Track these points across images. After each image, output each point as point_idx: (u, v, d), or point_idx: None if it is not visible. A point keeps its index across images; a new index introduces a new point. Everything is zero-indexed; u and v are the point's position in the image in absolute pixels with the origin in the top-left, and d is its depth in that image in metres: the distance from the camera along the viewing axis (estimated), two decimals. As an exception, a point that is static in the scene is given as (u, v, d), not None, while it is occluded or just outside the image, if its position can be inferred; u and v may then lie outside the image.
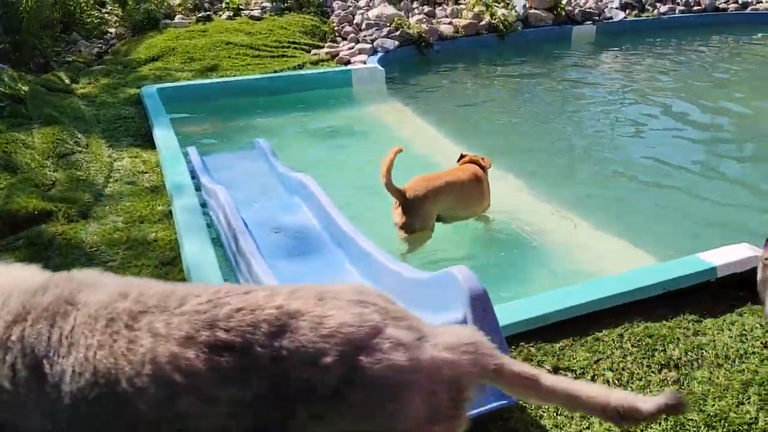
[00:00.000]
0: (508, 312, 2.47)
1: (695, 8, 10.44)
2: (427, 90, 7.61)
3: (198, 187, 4.22)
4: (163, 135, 4.92)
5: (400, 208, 3.56)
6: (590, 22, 9.80)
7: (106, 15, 8.99)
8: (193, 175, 4.41)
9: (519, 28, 9.31)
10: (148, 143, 5.08)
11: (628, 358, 2.39)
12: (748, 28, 10.20)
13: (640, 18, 10.13)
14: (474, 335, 1.43)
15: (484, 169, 3.95)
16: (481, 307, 2.02)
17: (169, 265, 3.23)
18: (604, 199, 4.60)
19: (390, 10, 8.86)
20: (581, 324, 2.55)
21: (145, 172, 4.56)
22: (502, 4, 9.44)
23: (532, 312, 2.52)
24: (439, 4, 10.04)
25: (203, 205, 4.00)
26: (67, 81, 6.75)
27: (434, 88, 7.67)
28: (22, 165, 4.30)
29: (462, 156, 4.10)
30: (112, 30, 8.92)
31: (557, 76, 8.17)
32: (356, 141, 5.71)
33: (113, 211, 3.87)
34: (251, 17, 8.74)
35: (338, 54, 7.95)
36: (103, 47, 8.48)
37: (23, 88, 6.17)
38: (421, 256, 3.60)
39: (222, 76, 7.03)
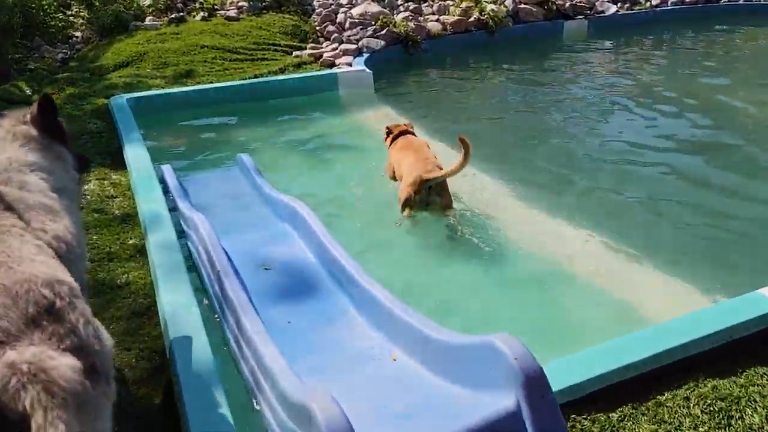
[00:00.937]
0: (552, 375, 2.06)
1: (687, 0, 10.14)
2: (416, 93, 7.18)
3: (175, 208, 3.77)
4: (135, 154, 4.43)
5: (434, 191, 3.68)
6: (581, 17, 9.46)
7: (71, 18, 8.40)
8: (168, 197, 3.95)
9: (509, 23, 8.92)
10: (119, 162, 4.58)
11: (701, 430, 2.00)
12: (741, 19, 9.94)
13: (633, 11, 9.81)
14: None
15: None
16: (538, 393, 1.61)
17: (143, 316, 2.77)
18: (620, 215, 4.18)
19: (375, 7, 8.41)
20: (639, 385, 2.15)
21: (115, 197, 4.07)
22: (491, -1, 9.04)
23: (582, 374, 2.11)
24: (425, 1, 9.60)
25: (181, 233, 3.53)
26: (29, 92, 6.20)
27: (424, 91, 7.25)
28: (-28, 194, 3.78)
29: (390, 130, 4.35)
30: (78, 34, 8.34)
31: (550, 73, 7.82)
32: (344, 152, 5.26)
33: (78, 247, 3.38)
34: (227, 18, 8.23)
35: (321, 56, 7.48)
36: (69, 52, 7.91)
37: (-22, 101, 5.60)
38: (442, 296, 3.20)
39: (198, 83, 6.54)
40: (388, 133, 4.38)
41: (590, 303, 3.12)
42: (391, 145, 4.31)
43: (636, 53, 8.71)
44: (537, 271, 3.40)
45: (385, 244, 3.75)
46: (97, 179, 4.30)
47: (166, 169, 4.37)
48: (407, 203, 3.73)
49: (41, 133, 1.99)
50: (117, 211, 3.86)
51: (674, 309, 2.73)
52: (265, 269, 3.16)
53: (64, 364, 1.27)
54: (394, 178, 4.20)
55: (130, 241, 3.45)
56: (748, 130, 5.64)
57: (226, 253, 2.99)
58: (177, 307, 2.62)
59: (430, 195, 3.69)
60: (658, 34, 9.46)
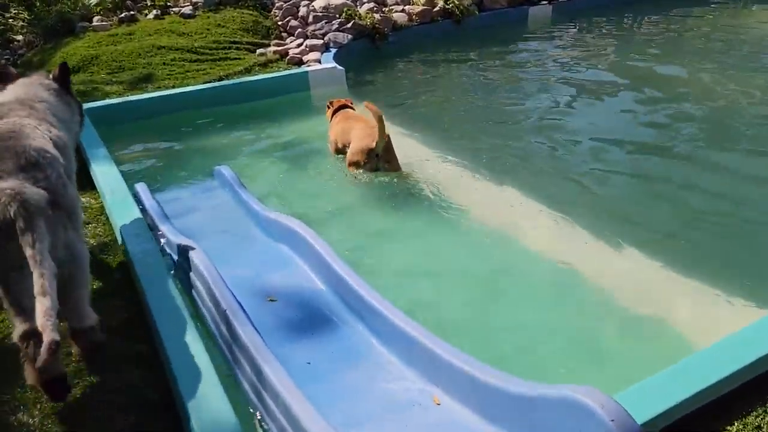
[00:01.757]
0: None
1: (647, -18, 10.20)
2: (386, 86, 6.96)
3: (154, 233, 3.45)
4: (105, 173, 4.05)
5: (382, 158, 4.24)
6: (546, 2, 9.37)
7: (10, 20, 7.77)
8: (146, 220, 3.61)
9: (475, 12, 8.75)
10: (84, 182, 4.18)
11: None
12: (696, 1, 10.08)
13: (594, -5, 9.79)
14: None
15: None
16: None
17: (149, 368, 2.47)
18: (622, 214, 4.09)
19: (338, 0, 8.09)
20: (704, 417, 2.01)
21: (88, 223, 3.70)
22: (455, -13, 8.83)
23: (646, 409, 1.95)
24: (387, -10, 9.32)
25: (171, 262, 3.22)
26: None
27: (393, 84, 7.02)
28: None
29: (332, 103, 4.94)
30: (19, 37, 7.73)
31: (514, 61, 7.72)
32: (322, 156, 4.99)
33: (54, 287, 3.03)
34: (182, 15, 7.77)
35: (287, 53, 7.15)
36: (11, 58, 7.32)
37: None
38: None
39: (159, 88, 6.13)
40: (329, 107, 4.98)
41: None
42: (332, 118, 4.86)
43: (599, 37, 8.68)
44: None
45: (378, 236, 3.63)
46: (63, 204, 3.90)
47: (141, 188, 4.02)
48: (357, 166, 4.32)
49: (58, 85, 2.92)
50: (92, 240, 3.50)
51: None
52: (270, 301, 2.90)
53: (36, 192, 2.07)
54: (337, 151, 4.70)
55: (115, 276, 3.12)
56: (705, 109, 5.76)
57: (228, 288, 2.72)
58: (185, 357, 2.33)
59: (379, 161, 4.28)
60: (622, 16, 9.47)
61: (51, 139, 2.42)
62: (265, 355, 2.25)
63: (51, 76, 2.97)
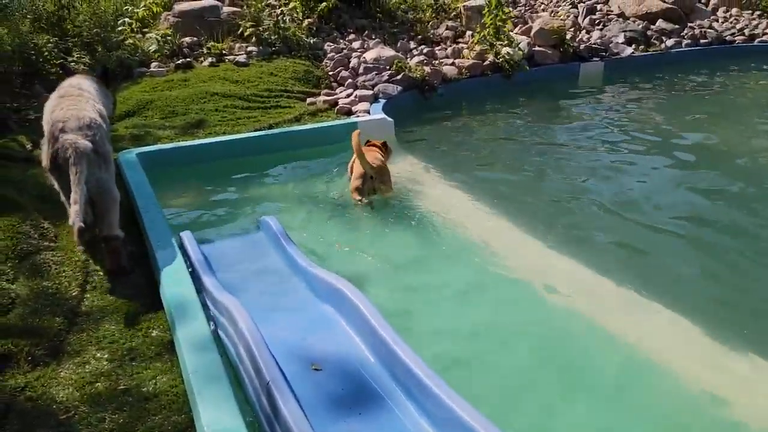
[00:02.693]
0: None
1: (702, 41, 10.00)
2: (435, 139, 6.84)
3: (199, 287, 3.34)
4: (152, 221, 4.00)
5: (376, 180, 4.76)
6: (597, 58, 9.25)
7: (72, 64, 8.05)
8: (192, 272, 3.52)
9: (526, 66, 8.68)
10: (132, 228, 4.15)
11: None
12: (757, 60, 9.80)
13: (648, 53, 9.63)
14: None
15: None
16: None
17: (180, 439, 2.32)
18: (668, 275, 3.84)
19: (388, 51, 8.14)
20: None
21: (131, 272, 3.63)
22: (506, 42, 8.81)
23: None
24: (438, 44, 9.39)
25: (211, 319, 3.10)
26: (29, 146, 5.78)
27: (442, 136, 6.92)
28: (-29, 275, 3.34)
29: (368, 142, 5.29)
30: (80, 80, 7.98)
31: (566, 117, 7.59)
32: (373, 211, 4.88)
33: (93, 341, 2.94)
34: (236, 63, 7.91)
35: (337, 102, 7.16)
36: (70, 100, 7.53)
37: (-24, 158, 5.24)
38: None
39: (210, 134, 6.16)
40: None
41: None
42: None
43: (651, 95, 8.47)
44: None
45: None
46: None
47: (186, 238, 3.94)
48: (357, 191, 4.78)
49: (100, 81, 4.31)
50: (131, 291, 3.42)
51: None
52: (315, 369, 2.73)
53: (84, 143, 3.39)
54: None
55: (154, 333, 3.01)
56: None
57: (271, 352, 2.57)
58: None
59: (374, 183, 4.75)
60: (674, 75, 9.27)
61: (97, 111, 3.76)
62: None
63: (95, 74, 4.48)
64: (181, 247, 3.85)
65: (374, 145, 5.25)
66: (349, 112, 6.96)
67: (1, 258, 3.57)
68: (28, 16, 8.36)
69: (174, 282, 3.22)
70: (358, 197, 4.78)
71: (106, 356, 2.82)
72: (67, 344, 2.90)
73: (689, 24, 10.43)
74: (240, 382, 2.68)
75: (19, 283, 3.37)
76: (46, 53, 7.65)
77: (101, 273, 3.60)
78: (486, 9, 8.90)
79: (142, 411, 2.45)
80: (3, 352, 2.72)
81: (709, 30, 10.21)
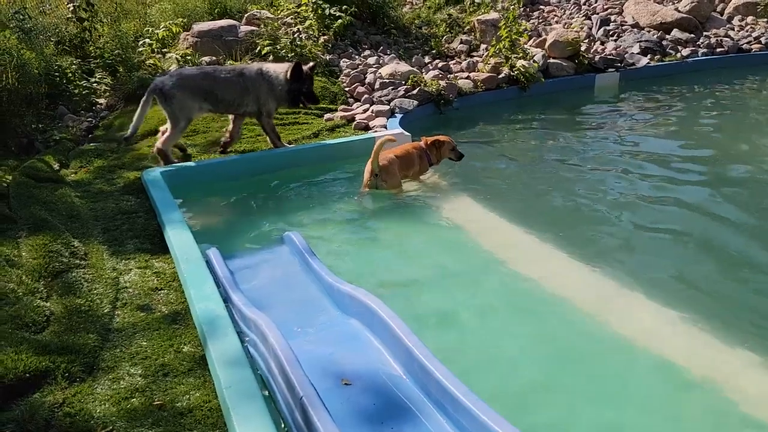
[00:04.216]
0: None
1: (718, 50, 9.98)
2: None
3: (226, 302, 3.39)
4: (179, 238, 4.07)
5: (380, 176, 5.31)
6: (613, 69, 9.27)
7: (95, 84, 8.23)
8: (219, 287, 3.58)
9: (541, 79, 8.71)
10: (159, 246, 4.23)
11: None
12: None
13: (663, 62, 9.62)
14: None
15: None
16: None
17: (215, 455, 2.36)
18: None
19: (404, 66, 8.23)
20: None
21: (160, 289, 3.70)
22: (521, 54, 8.86)
23: None
24: (452, 58, 9.46)
25: (240, 333, 3.14)
26: (56, 166, 5.92)
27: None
28: (7, 293, 3.42)
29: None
30: (102, 101, 8.15)
31: (582, 128, 7.58)
32: (393, 225, 4.92)
33: (126, 357, 3.00)
34: (255, 81, 8.02)
35: (354, 118, 7.23)
36: (93, 120, 7.69)
37: (6, 177, 5.35)
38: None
39: (231, 151, 6.26)
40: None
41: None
42: None
43: (668, 105, 8.45)
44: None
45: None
46: (138, 268, 3.93)
47: (213, 254, 4.01)
48: (364, 184, 5.35)
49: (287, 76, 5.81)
50: (164, 308, 3.49)
51: None
52: (345, 384, 2.76)
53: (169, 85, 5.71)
54: None
55: (185, 348, 3.07)
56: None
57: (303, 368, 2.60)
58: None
59: (379, 180, 5.25)
60: (691, 84, 9.24)
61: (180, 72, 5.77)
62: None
63: (288, 69, 5.85)
64: (208, 263, 3.92)
65: (438, 140, 5.79)
66: (366, 127, 7.03)
67: (34, 276, 3.66)
68: (52, 39, 8.56)
69: (203, 298, 3.28)
70: (364, 189, 5.38)
71: (139, 372, 2.88)
72: (101, 360, 2.97)
73: (705, 33, 10.41)
74: (271, 396, 2.72)
75: (52, 300, 3.45)
76: (70, 75, 7.83)
77: (131, 290, 3.67)
78: (503, 22, 8.96)
79: (177, 426, 2.50)
80: (42, 369, 2.78)
81: (725, 38, 10.18)
